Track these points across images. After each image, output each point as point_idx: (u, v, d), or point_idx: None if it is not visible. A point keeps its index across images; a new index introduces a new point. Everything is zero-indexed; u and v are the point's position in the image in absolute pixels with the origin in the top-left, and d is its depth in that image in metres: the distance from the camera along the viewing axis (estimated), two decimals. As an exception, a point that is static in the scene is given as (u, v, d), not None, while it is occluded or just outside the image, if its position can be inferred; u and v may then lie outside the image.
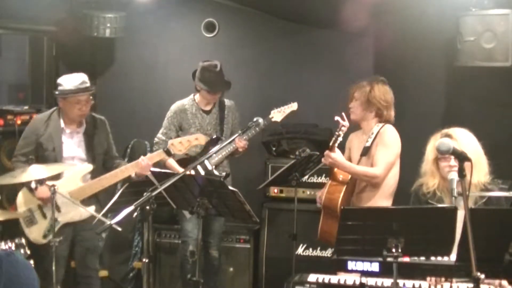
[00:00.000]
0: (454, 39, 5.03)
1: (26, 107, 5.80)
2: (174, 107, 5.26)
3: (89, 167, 4.72)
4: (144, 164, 4.60)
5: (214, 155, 5.11)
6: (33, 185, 4.56)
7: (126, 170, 4.68)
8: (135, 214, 3.84)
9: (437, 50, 5.62)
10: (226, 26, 6.18)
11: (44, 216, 4.66)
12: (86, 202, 4.62)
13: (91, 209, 4.57)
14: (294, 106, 5.08)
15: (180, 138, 4.62)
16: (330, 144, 4.25)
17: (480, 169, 3.72)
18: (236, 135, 4.93)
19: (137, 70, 6.40)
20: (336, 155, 4.26)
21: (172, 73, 6.33)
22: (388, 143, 4.36)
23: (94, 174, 4.74)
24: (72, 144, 4.76)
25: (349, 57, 5.78)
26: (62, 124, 4.74)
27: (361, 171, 4.36)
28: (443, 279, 3.42)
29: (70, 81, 4.66)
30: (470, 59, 4.92)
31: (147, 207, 3.96)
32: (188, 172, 4.21)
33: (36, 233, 4.63)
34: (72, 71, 4.85)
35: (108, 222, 3.92)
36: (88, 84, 4.71)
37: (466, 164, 3.16)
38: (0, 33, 5.98)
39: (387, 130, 4.41)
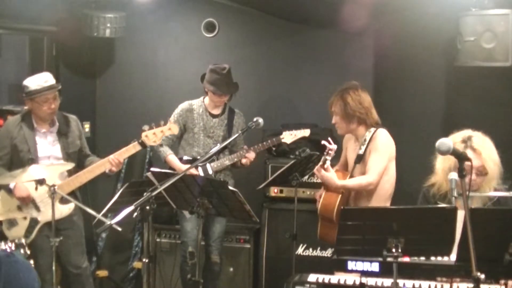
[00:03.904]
0: (454, 39, 5.03)
1: (26, 107, 5.80)
2: (182, 105, 5.28)
3: (66, 165, 4.71)
4: (119, 160, 4.63)
5: (217, 160, 5.14)
6: (11, 185, 4.57)
7: (103, 165, 4.68)
8: (135, 214, 3.84)
9: (437, 50, 5.62)
10: (226, 26, 6.18)
11: (23, 216, 4.65)
12: (64, 200, 4.58)
13: (70, 206, 4.62)
14: (306, 132, 5.12)
15: (153, 129, 4.62)
16: (321, 164, 4.22)
17: (495, 181, 3.70)
18: (236, 135, 4.94)
19: (137, 70, 6.40)
20: (328, 175, 4.24)
21: (172, 73, 6.33)
22: (380, 148, 4.32)
23: (70, 172, 4.74)
24: (47, 144, 4.77)
25: (349, 57, 5.78)
26: (35, 125, 4.75)
27: (355, 184, 4.32)
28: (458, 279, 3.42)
29: (35, 81, 4.67)
30: (470, 59, 4.92)
31: (147, 207, 3.96)
32: (188, 172, 4.21)
33: (17, 234, 4.59)
34: (72, 71, 4.88)
35: (108, 222, 3.92)
36: (53, 82, 4.71)
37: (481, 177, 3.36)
38: (0, 33, 5.98)
39: (379, 135, 4.36)
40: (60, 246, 4.57)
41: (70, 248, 4.82)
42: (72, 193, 4.68)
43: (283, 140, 5.10)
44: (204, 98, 5.30)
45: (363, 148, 4.37)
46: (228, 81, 5.19)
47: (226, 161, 5.16)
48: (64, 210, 4.65)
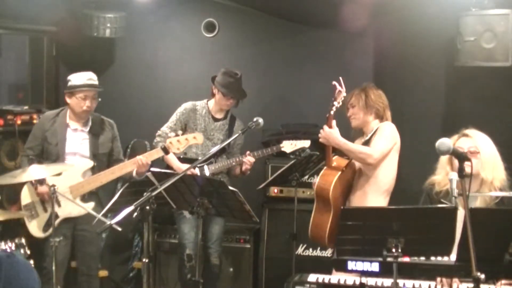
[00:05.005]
0: (454, 39, 5.04)
1: (26, 107, 5.81)
2: (186, 104, 5.28)
3: (90, 163, 4.79)
4: (143, 162, 4.66)
5: (215, 163, 5.13)
6: (33, 181, 4.66)
7: (124, 166, 4.73)
8: (135, 214, 3.84)
9: (437, 50, 5.62)
10: (226, 26, 6.18)
11: (45, 209, 4.75)
12: (85, 198, 4.73)
13: (90, 206, 4.67)
14: (306, 143, 5.12)
15: (178, 137, 4.63)
16: (327, 115, 4.31)
17: (495, 170, 3.74)
18: (236, 135, 4.93)
19: (137, 70, 6.40)
20: (331, 130, 4.31)
21: (172, 73, 6.33)
22: (385, 133, 4.42)
23: (95, 173, 4.79)
24: (75, 140, 4.84)
25: (349, 57, 5.78)
26: (68, 121, 4.85)
27: (356, 148, 4.40)
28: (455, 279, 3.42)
29: (79, 77, 4.82)
30: (470, 59, 4.93)
31: (147, 207, 3.96)
32: (188, 172, 4.21)
33: (36, 226, 4.72)
34: (72, 71, 4.89)
35: (108, 222, 3.93)
36: (95, 82, 4.85)
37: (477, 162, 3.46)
38: (0, 33, 5.98)
39: (385, 124, 4.47)
40: (76, 244, 4.72)
41: (86, 246, 4.87)
42: (94, 193, 4.78)
43: (282, 149, 5.11)
44: (208, 101, 5.30)
45: (369, 135, 4.48)
46: (239, 87, 5.21)
47: (223, 164, 5.14)
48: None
